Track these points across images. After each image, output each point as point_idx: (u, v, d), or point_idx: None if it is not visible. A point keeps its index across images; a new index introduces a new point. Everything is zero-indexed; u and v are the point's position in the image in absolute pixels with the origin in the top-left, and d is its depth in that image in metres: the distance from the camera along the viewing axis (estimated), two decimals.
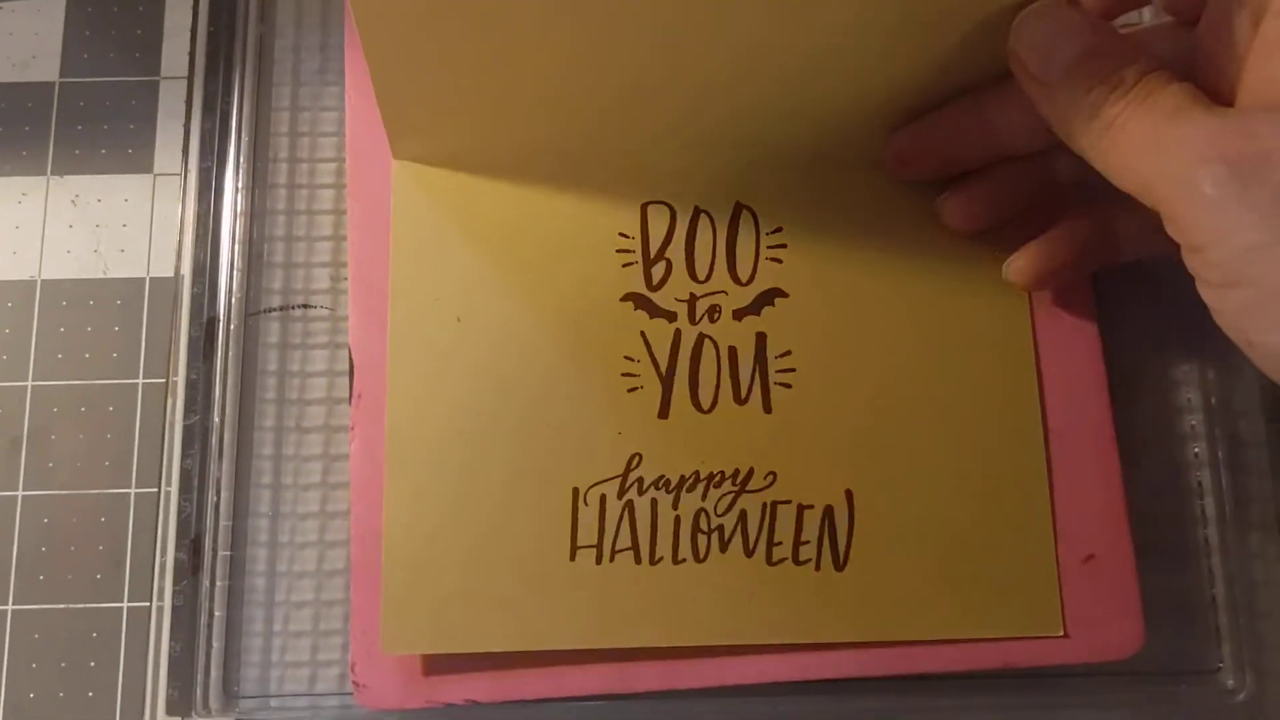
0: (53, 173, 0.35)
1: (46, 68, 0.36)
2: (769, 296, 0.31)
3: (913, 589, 0.29)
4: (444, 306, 0.30)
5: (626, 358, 0.30)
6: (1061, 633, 0.29)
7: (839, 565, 0.29)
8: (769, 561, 0.29)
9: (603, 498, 0.29)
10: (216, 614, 0.31)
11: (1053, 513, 0.30)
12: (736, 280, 0.31)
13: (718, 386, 0.30)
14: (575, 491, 0.29)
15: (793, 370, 0.30)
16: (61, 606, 0.32)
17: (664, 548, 0.29)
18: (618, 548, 0.29)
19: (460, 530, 0.29)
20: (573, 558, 0.29)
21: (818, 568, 0.29)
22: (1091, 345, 0.31)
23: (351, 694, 0.30)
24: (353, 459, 0.30)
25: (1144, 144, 0.23)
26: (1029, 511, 0.30)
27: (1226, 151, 0.22)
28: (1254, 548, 0.31)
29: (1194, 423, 0.32)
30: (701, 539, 0.29)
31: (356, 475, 0.30)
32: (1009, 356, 0.30)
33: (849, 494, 0.29)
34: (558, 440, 0.29)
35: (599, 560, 0.29)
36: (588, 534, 0.29)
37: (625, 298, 0.30)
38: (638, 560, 0.29)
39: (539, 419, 0.30)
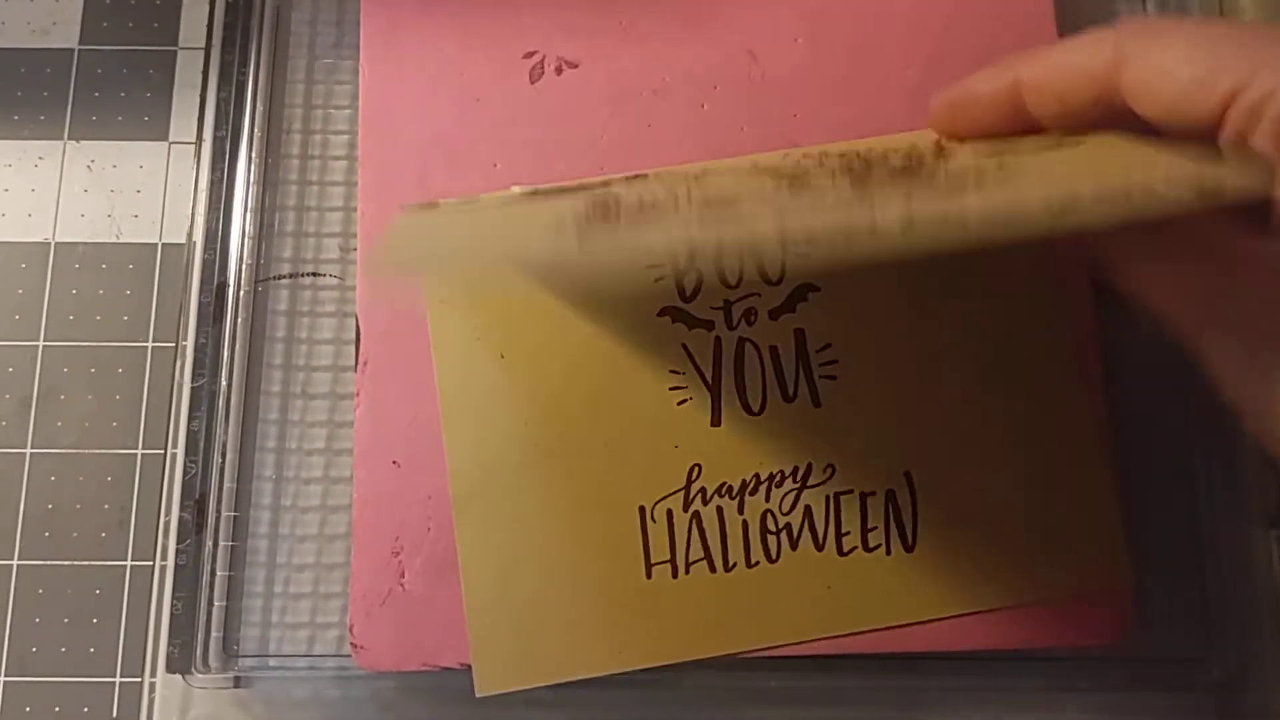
0: (69, 137, 0.35)
1: (66, 34, 0.36)
2: (802, 292, 0.31)
3: (982, 560, 0.30)
4: (486, 345, 0.30)
5: (672, 371, 0.30)
6: (1129, 581, 0.29)
7: (908, 547, 0.30)
8: (840, 552, 0.30)
9: (669, 512, 0.30)
10: (219, 574, 0.31)
11: (1114, 466, 0.30)
12: (767, 280, 0.31)
13: (764, 387, 0.30)
14: (641, 510, 0.30)
15: (835, 362, 0.30)
16: (66, 563, 0.33)
17: (736, 553, 0.30)
18: (691, 559, 0.30)
19: (535, 563, 0.29)
20: (649, 575, 0.29)
21: (888, 551, 0.30)
22: (1086, 334, 0.31)
23: (349, 656, 0.30)
24: (357, 425, 0.31)
25: None
26: (1086, 468, 0.30)
27: None
28: (1246, 538, 0.31)
29: (1189, 410, 0.32)
30: (771, 540, 0.30)
31: (360, 441, 0.31)
32: (1041, 322, 0.31)
33: (908, 475, 0.30)
34: (617, 461, 0.30)
35: (675, 574, 0.29)
36: (660, 550, 0.30)
37: (662, 312, 0.31)
38: (712, 569, 0.30)
39: (595, 442, 0.30)
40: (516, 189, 0.31)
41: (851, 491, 0.30)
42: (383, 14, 0.33)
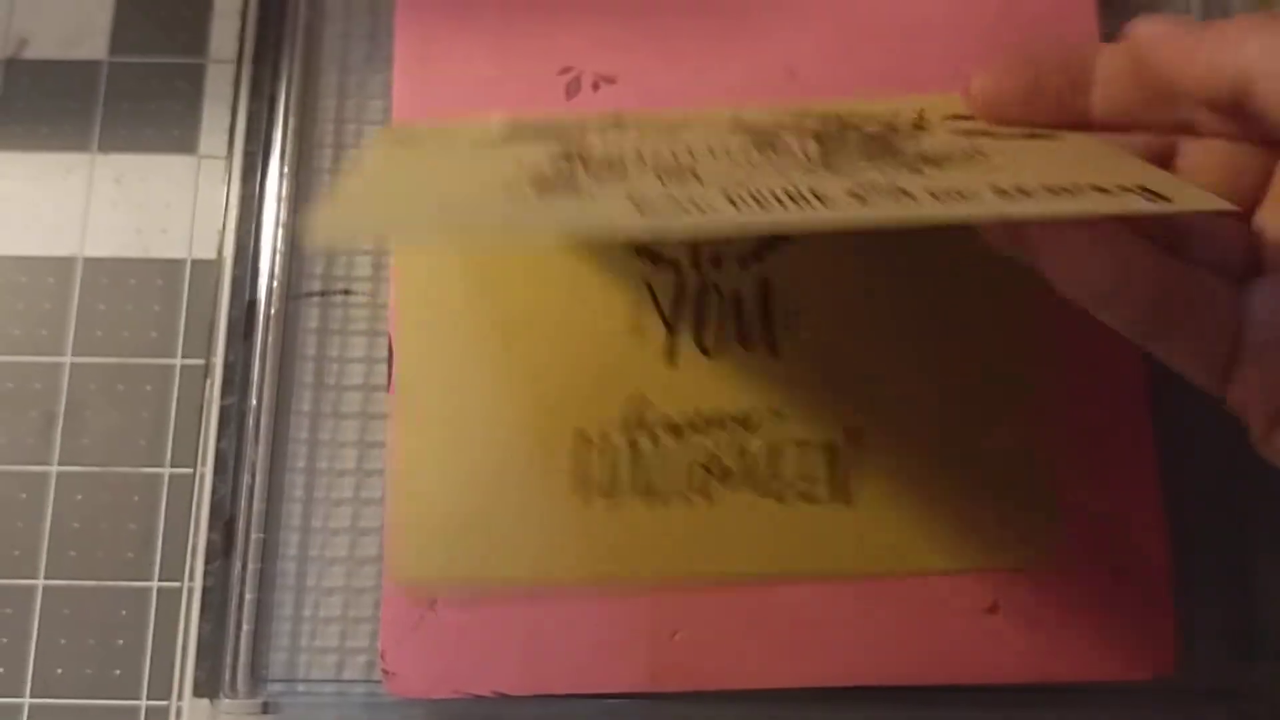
0: (98, 150, 0.35)
1: (95, 47, 0.36)
2: (772, 242, 0.31)
3: (919, 523, 0.29)
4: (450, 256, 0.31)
5: (632, 303, 0.31)
6: (1052, 562, 0.29)
7: (847, 500, 0.29)
8: (779, 500, 0.29)
9: (608, 438, 0.30)
10: (248, 596, 0.30)
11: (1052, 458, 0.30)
12: None
13: (723, 331, 0.30)
14: (580, 432, 0.30)
15: (798, 314, 0.30)
16: (91, 584, 0.32)
17: (673, 487, 0.30)
18: (627, 488, 0.30)
19: (467, 468, 0.30)
20: (581, 498, 0.29)
21: (828, 501, 0.29)
22: (1131, 350, 0.30)
23: (378, 682, 0.30)
24: (388, 446, 0.30)
25: None
26: (1025, 453, 0.30)
27: None
28: None
29: (1238, 434, 0.31)
30: (712, 480, 0.29)
31: (391, 463, 0.30)
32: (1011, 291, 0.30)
33: (856, 431, 0.30)
34: (564, 385, 0.30)
35: (607, 498, 0.29)
36: (595, 473, 0.30)
37: (629, 248, 0.31)
38: (648, 502, 0.29)
39: (546, 365, 0.30)
40: (495, 121, 0.30)
41: (800, 441, 0.30)
42: (417, 29, 0.33)
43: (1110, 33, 0.32)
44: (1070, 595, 0.29)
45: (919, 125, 0.27)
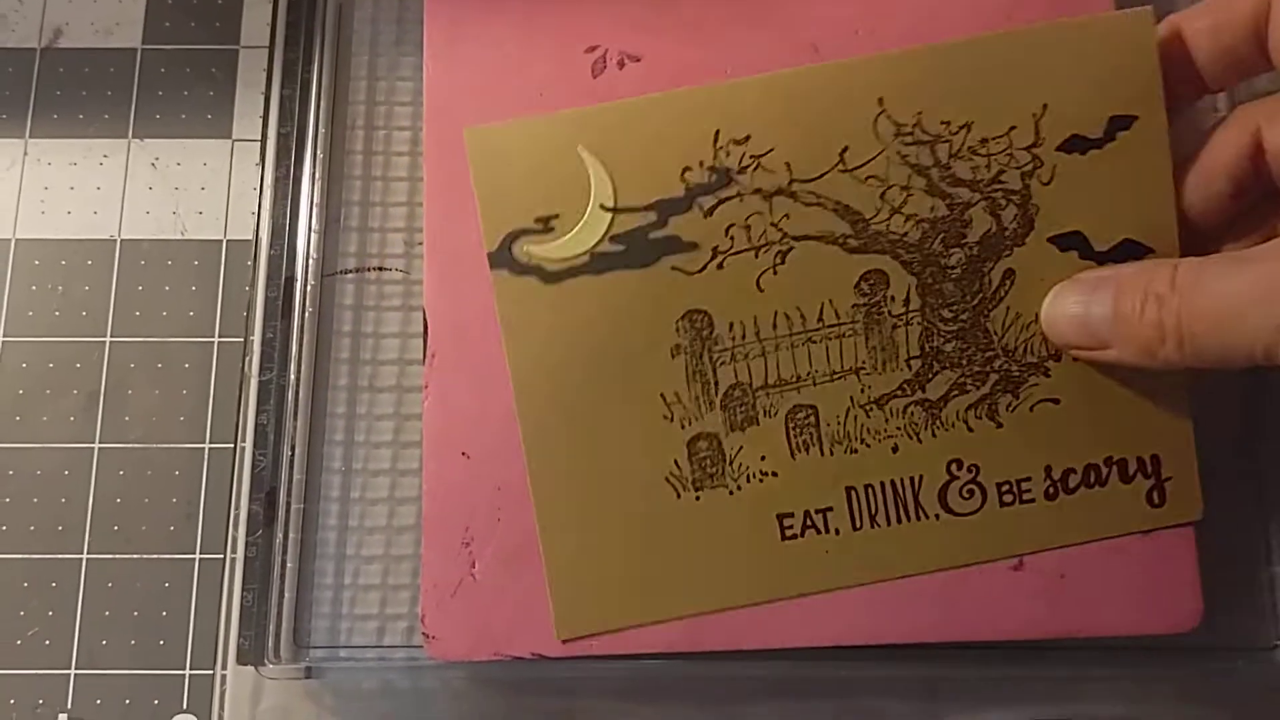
0: (134, 136, 0.36)
1: (129, 34, 0.36)
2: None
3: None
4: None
5: None
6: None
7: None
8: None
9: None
10: (289, 566, 0.31)
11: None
12: None
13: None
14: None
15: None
16: (135, 556, 0.33)
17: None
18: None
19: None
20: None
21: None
22: None
23: (419, 647, 0.30)
24: (426, 417, 0.31)
25: None
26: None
27: None
28: None
29: (1254, 395, 0.32)
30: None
31: (429, 433, 0.31)
32: None
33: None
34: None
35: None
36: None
37: None
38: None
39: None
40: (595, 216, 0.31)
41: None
42: (445, 11, 0.33)
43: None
44: (1094, 551, 0.30)
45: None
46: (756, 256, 0.31)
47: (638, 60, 0.33)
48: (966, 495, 0.30)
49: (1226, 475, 0.31)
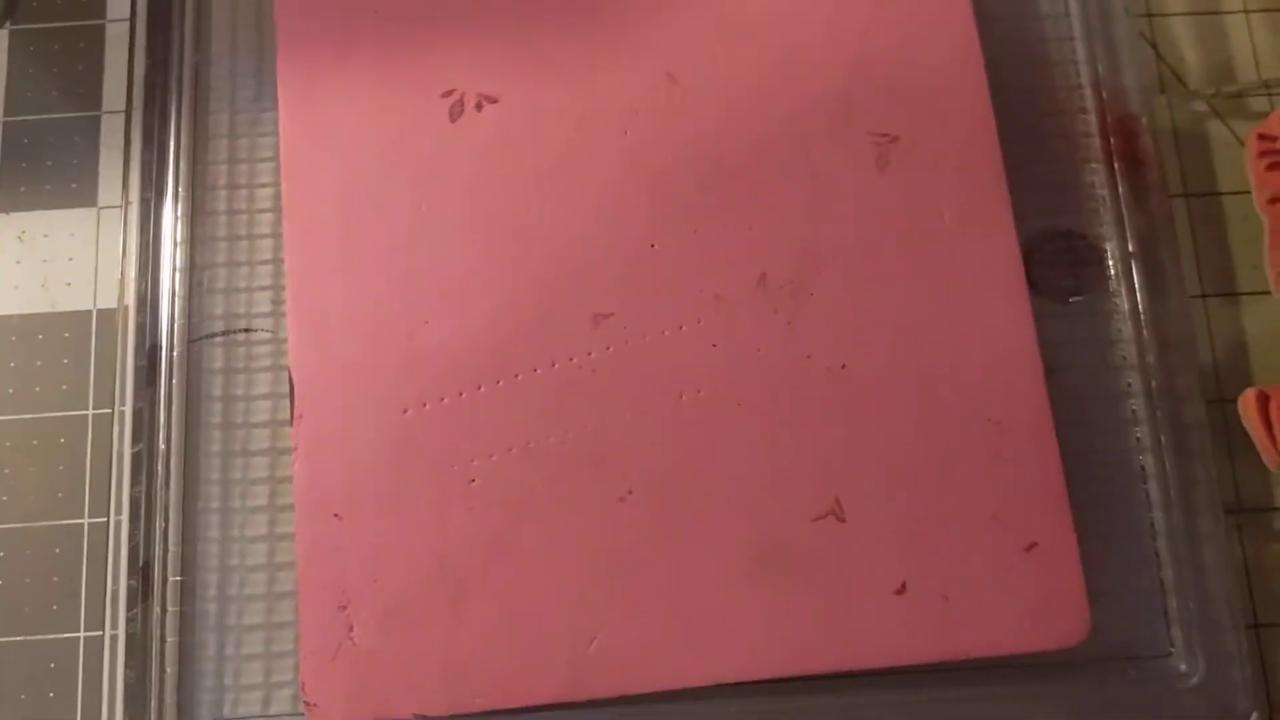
0: (0, 210, 0.35)
1: None
2: None
3: None
4: None
5: None
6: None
7: None
8: None
9: None
10: (169, 640, 0.31)
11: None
12: None
13: None
14: None
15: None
16: (19, 639, 0.32)
17: None
18: None
19: None
20: None
21: None
22: (1026, 334, 0.31)
23: (302, 716, 0.30)
24: (295, 479, 0.30)
25: None
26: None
27: None
28: (1201, 530, 0.31)
29: (1135, 407, 0.32)
30: None
31: (299, 495, 0.30)
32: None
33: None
34: None
35: None
36: None
37: None
38: None
39: None
40: None
41: None
42: (299, 64, 0.33)
43: (983, 26, 0.32)
44: (977, 571, 0.29)
45: None
46: None
47: (495, 101, 0.33)
48: None
49: (1112, 484, 0.31)
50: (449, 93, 0.33)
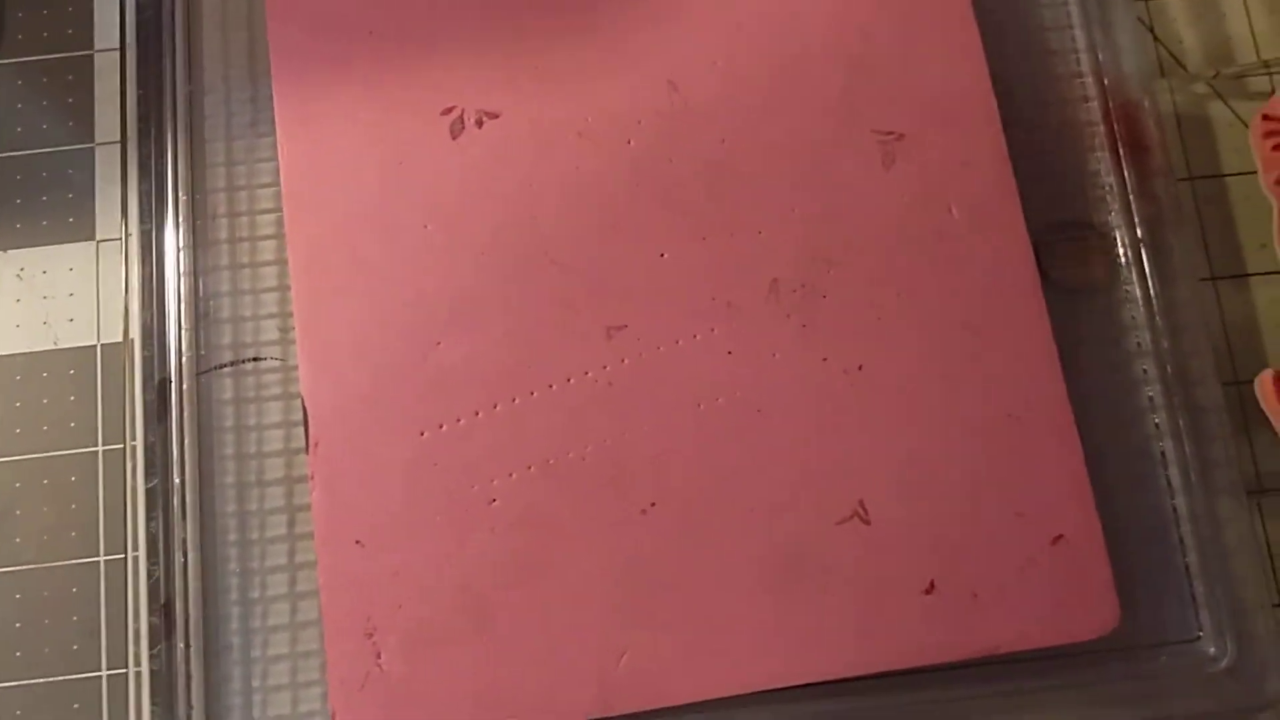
0: None
1: None
2: None
3: None
4: None
5: None
6: None
7: None
8: None
9: None
10: (194, 675, 0.30)
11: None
12: None
13: None
14: None
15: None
16: (41, 681, 0.32)
17: None
18: None
19: None
20: None
21: None
22: (1041, 326, 0.31)
23: None
24: (314, 508, 0.30)
25: None
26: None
27: None
28: (1223, 513, 0.31)
29: (1151, 394, 0.32)
30: None
31: (319, 524, 0.30)
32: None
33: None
34: None
35: None
36: None
37: None
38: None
39: None
40: None
41: None
42: (295, 88, 0.33)
43: (982, 18, 0.32)
44: (1005, 566, 0.29)
45: None
46: None
47: (496, 116, 0.32)
48: None
49: (1133, 472, 0.31)
50: (449, 110, 0.32)
